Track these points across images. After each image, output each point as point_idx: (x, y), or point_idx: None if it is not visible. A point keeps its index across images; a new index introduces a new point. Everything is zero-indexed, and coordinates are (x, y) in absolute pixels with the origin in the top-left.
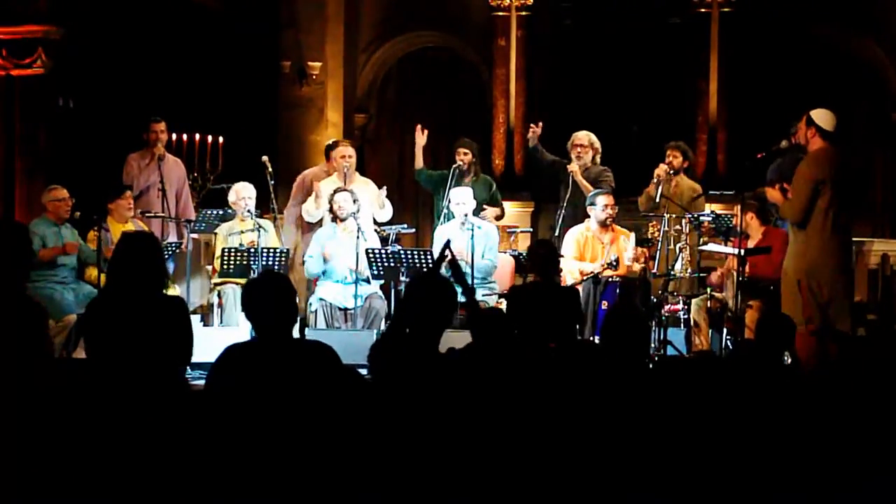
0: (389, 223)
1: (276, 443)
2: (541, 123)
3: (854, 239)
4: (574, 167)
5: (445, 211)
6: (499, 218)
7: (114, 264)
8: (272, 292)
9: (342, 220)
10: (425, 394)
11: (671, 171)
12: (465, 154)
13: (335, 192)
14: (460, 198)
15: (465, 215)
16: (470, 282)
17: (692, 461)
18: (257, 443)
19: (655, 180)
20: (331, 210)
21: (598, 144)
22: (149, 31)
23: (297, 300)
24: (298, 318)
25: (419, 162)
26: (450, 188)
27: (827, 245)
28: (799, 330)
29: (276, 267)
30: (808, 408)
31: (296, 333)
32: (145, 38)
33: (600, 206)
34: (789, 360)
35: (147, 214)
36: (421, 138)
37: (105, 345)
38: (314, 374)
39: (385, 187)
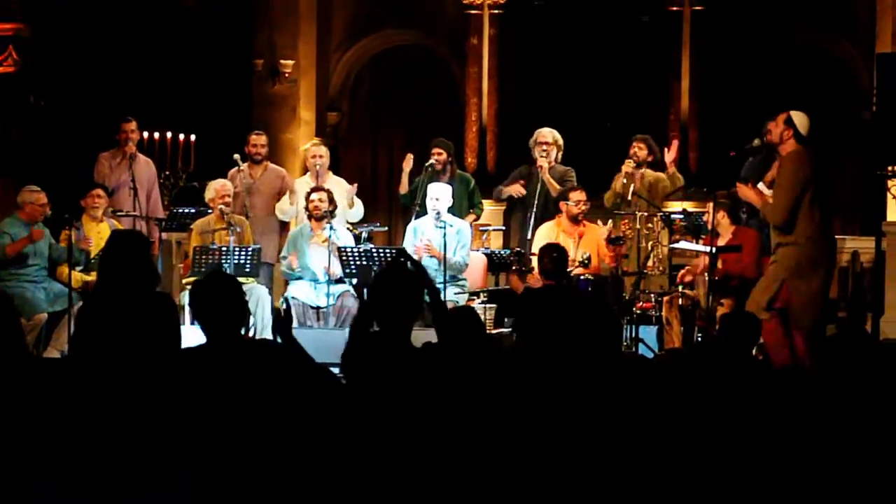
0: (362, 222)
1: (230, 444)
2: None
3: None
4: (543, 164)
5: (418, 208)
6: (478, 218)
7: (104, 263)
8: (219, 294)
9: (318, 219)
10: (403, 391)
11: (636, 164)
12: (440, 154)
13: (312, 190)
14: (437, 193)
15: (438, 213)
16: (442, 279)
17: (662, 457)
18: (211, 445)
19: (624, 179)
20: (307, 209)
21: (561, 142)
22: (120, 30)
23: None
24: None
25: (404, 186)
26: (424, 185)
27: (815, 248)
28: (763, 319)
29: (247, 266)
30: (776, 403)
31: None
32: (117, 36)
33: (573, 201)
34: (760, 357)
35: (118, 213)
36: (408, 164)
37: (99, 343)
38: (267, 375)
39: (354, 185)
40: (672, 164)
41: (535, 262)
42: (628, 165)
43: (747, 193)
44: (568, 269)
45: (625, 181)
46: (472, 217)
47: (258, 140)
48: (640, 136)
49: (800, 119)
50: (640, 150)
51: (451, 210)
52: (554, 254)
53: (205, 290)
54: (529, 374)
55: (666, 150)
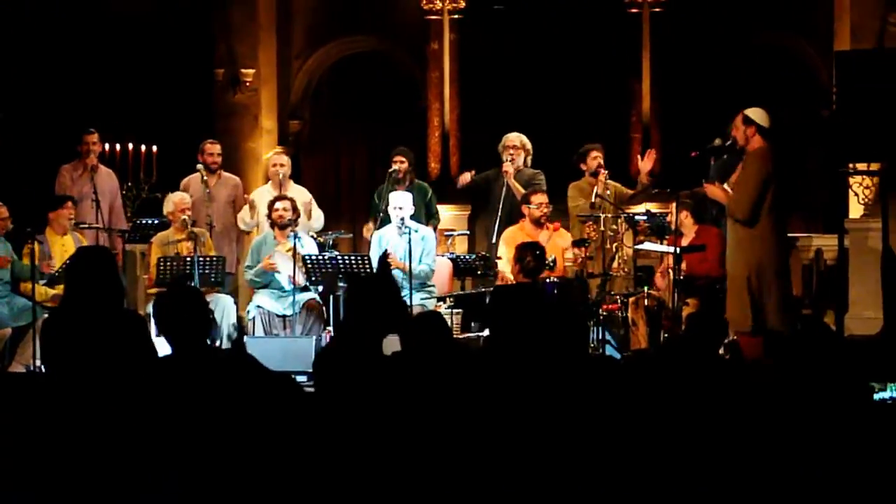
0: (324, 230)
1: (200, 453)
2: (473, 172)
3: (789, 234)
4: (509, 168)
5: (382, 215)
6: (435, 229)
7: (71, 279)
8: (183, 304)
9: (281, 227)
10: (374, 399)
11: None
12: (402, 162)
13: (275, 199)
14: (399, 202)
15: (402, 220)
16: (408, 286)
17: (631, 456)
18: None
19: (607, 190)
20: (269, 217)
21: (529, 146)
22: (80, 42)
23: (237, 309)
24: (236, 328)
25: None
26: (386, 193)
27: (774, 243)
28: (745, 331)
29: (212, 276)
30: (742, 402)
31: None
32: (77, 48)
33: (535, 204)
34: (727, 357)
35: (81, 226)
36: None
37: (65, 359)
38: (233, 384)
39: (310, 199)
40: (646, 175)
41: (503, 263)
42: (604, 176)
43: (714, 192)
44: None
45: (606, 192)
46: (432, 225)
47: (213, 149)
48: (590, 145)
49: (757, 114)
50: (594, 159)
51: (411, 218)
52: (537, 251)
53: (168, 302)
54: (498, 374)
55: (640, 159)
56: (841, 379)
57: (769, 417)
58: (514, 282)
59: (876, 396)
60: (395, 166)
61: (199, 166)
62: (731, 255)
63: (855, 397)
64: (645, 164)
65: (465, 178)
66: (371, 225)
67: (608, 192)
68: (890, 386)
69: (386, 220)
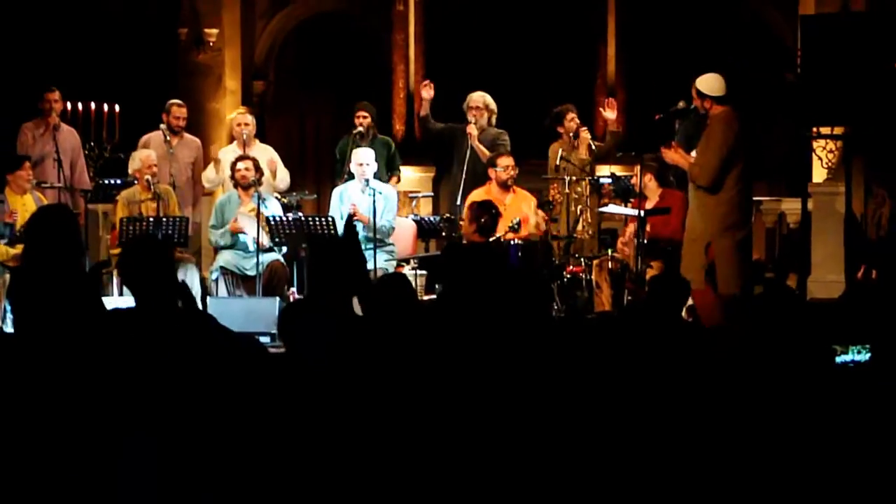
0: (290, 190)
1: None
2: (432, 84)
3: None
4: (472, 130)
5: (347, 175)
6: (397, 182)
7: (31, 238)
8: (148, 258)
9: (244, 188)
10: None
11: (571, 136)
12: (365, 117)
13: (237, 159)
14: (362, 159)
15: (367, 179)
16: (372, 244)
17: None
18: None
19: (594, 147)
20: (233, 178)
21: (493, 106)
22: None
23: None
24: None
25: (425, 110)
26: (350, 150)
27: (739, 207)
28: (699, 289)
29: (176, 236)
30: (704, 365)
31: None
32: (40, 5)
33: (501, 167)
34: (690, 319)
35: (43, 185)
36: (428, 91)
37: (31, 318)
38: (198, 342)
39: (276, 158)
40: (615, 123)
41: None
42: (586, 133)
43: (673, 157)
44: (498, 234)
45: (593, 148)
46: (394, 180)
47: (180, 112)
48: (566, 106)
49: (707, 84)
50: (571, 121)
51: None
52: (493, 211)
53: (132, 255)
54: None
55: (602, 110)
56: (803, 342)
57: (731, 381)
58: (469, 241)
59: (837, 360)
60: (357, 122)
61: (163, 126)
62: (693, 219)
63: (817, 360)
64: (609, 113)
65: (426, 96)
66: (339, 182)
67: (593, 148)
68: (851, 349)
69: (350, 177)
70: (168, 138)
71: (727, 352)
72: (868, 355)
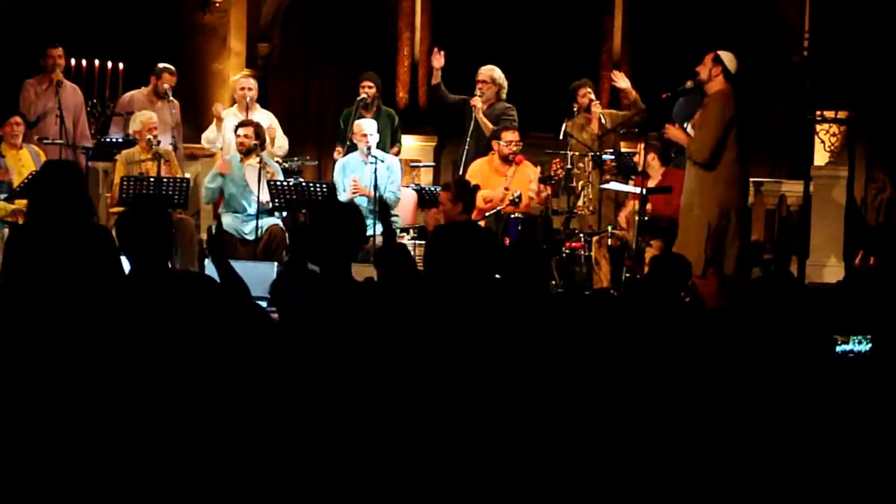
0: (289, 155)
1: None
2: (443, 52)
3: (753, 179)
4: (477, 102)
5: (348, 144)
6: (398, 153)
7: (37, 193)
8: (148, 220)
9: (244, 154)
10: (344, 325)
11: (577, 111)
12: (370, 87)
13: (239, 125)
14: (365, 129)
15: (369, 148)
16: (373, 217)
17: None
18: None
19: (602, 118)
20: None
21: (501, 80)
22: None
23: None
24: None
25: (437, 78)
26: (353, 120)
27: (738, 188)
28: (699, 273)
29: (176, 197)
30: (706, 346)
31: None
32: None
33: (505, 140)
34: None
35: (45, 141)
36: (438, 60)
37: (29, 274)
38: (196, 308)
39: (276, 124)
40: (631, 92)
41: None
42: (598, 107)
43: (675, 133)
44: (498, 208)
45: (601, 120)
46: (394, 150)
47: (171, 80)
48: (582, 81)
49: (728, 58)
50: (582, 96)
51: (377, 146)
52: (473, 188)
53: (133, 217)
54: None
55: (613, 82)
56: (803, 329)
57: (729, 366)
58: (454, 219)
59: (838, 349)
60: (363, 91)
61: (166, 86)
62: (692, 197)
63: (816, 348)
64: (621, 82)
65: (436, 65)
66: (340, 149)
67: (604, 121)
68: (852, 339)
69: (352, 147)
70: (168, 97)
71: (726, 337)
72: (869, 346)
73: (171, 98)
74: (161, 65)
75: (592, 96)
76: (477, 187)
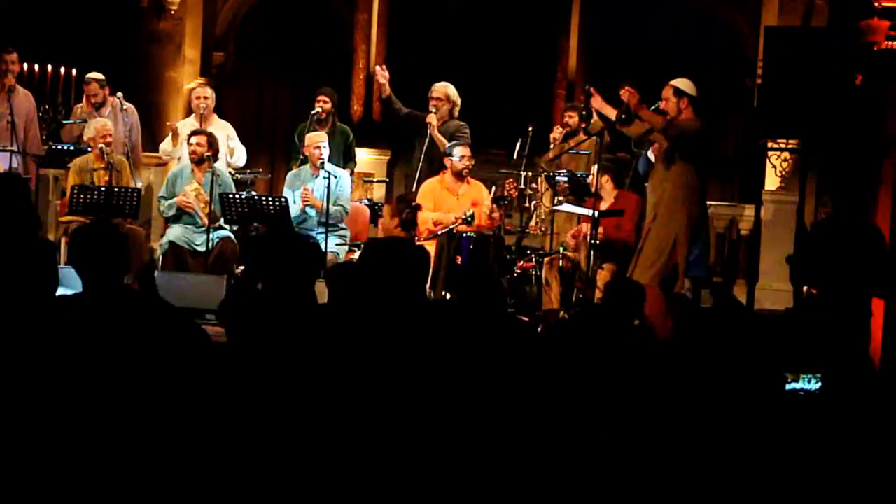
0: (245, 168)
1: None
2: (385, 67)
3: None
4: (432, 119)
5: (302, 157)
6: (352, 172)
7: None
8: (102, 242)
9: (197, 163)
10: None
11: (568, 132)
12: (325, 102)
13: (192, 133)
14: (317, 141)
15: (321, 161)
16: (324, 228)
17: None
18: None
19: (552, 144)
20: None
21: (455, 98)
22: None
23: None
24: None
25: (386, 91)
26: (306, 132)
27: (702, 206)
28: (651, 289)
29: (127, 207)
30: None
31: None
32: None
33: (457, 156)
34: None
35: None
36: (383, 76)
37: None
38: (150, 329)
39: (233, 134)
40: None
41: (421, 214)
42: (556, 131)
43: (601, 104)
44: (451, 226)
45: (552, 146)
46: (349, 169)
47: (94, 89)
48: (570, 104)
49: (688, 86)
50: (570, 118)
51: (329, 160)
52: (413, 205)
53: (86, 239)
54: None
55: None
56: (752, 363)
57: (680, 400)
58: (391, 234)
59: (788, 387)
60: (318, 106)
61: (119, 94)
62: (668, 210)
63: (766, 386)
64: (597, 101)
65: (382, 80)
66: (294, 166)
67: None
68: (802, 377)
69: (304, 160)
70: (124, 106)
71: (676, 370)
72: (819, 384)
73: (125, 104)
74: (88, 75)
75: (571, 122)
76: (418, 206)
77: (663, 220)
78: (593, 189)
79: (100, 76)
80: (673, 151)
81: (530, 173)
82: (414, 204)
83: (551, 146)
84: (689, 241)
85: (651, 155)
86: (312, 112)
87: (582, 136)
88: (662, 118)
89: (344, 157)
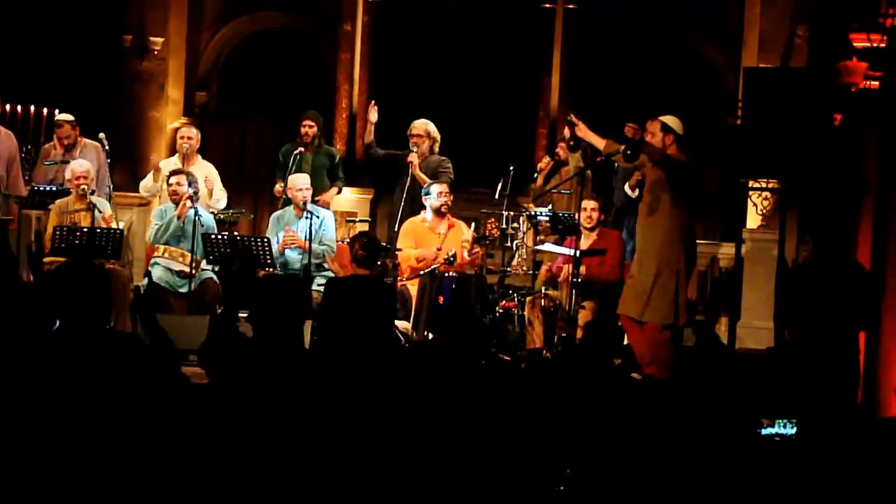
0: (227, 208)
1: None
2: (377, 107)
3: None
4: (413, 158)
5: (284, 197)
6: (339, 192)
7: None
8: (83, 282)
9: (175, 203)
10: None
11: (555, 162)
12: (311, 126)
13: (171, 173)
14: (300, 184)
15: (305, 202)
16: (309, 268)
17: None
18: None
19: (538, 173)
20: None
21: (435, 134)
22: None
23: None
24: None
25: (370, 135)
26: (293, 164)
27: (692, 242)
28: (653, 326)
29: (109, 248)
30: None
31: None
32: None
33: (434, 194)
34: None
35: None
36: (373, 114)
37: None
38: (127, 368)
39: (215, 176)
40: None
41: (402, 254)
42: (544, 162)
43: (586, 132)
44: (433, 266)
45: (538, 174)
46: (334, 190)
47: (61, 132)
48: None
49: (675, 123)
50: (561, 150)
51: (312, 183)
52: (365, 240)
53: (64, 278)
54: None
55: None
56: (730, 407)
57: (656, 437)
58: (351, 273)
59: (763, 431)
60: (303, 129)
61: (101, 135)
62: (667, 244)
63: (742, 429)
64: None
65: (373, 119)
66: (279, 187)
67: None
68: (778, 422)
69: (287, 201)
70: (105, 146)
71: (656, 408)
72: (794, 429)
73: (95, 142)
74: (59, 117)
75: (562, 154)
76: (374, 243)
77: (662, 257)
78: (577, 224)
79: (70, 118)
80: (665, 186)
81: (512, 213)
82: (367, 241)
83: (536, 174)
84: (689, 274)
85: (627, 188)
86: (295, 152)
87: (570, 168)
88: (660, 151)
89: (330, 177)
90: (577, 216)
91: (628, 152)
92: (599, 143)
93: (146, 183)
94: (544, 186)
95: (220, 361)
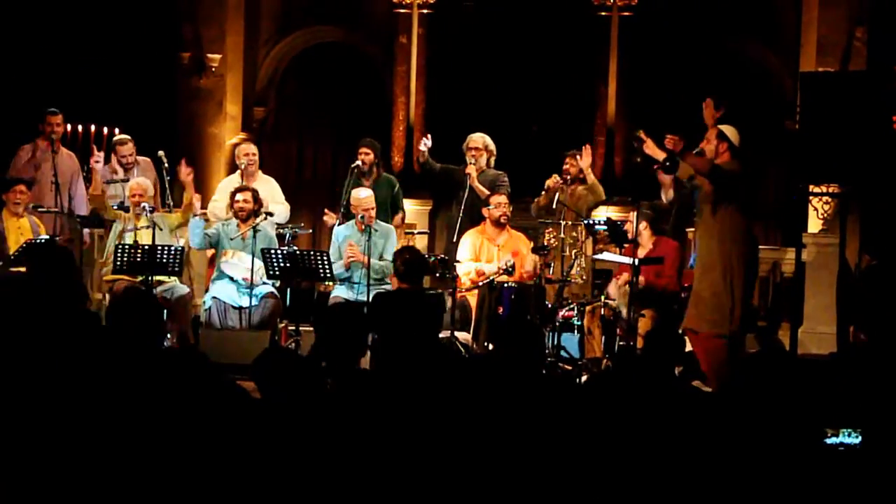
0: (286, 223)
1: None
2: (429, 136)
3: None
4: (472, 171)
5: (343, 210)
6: (402, 221)
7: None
8: (137, 311)
9: (242, 220)
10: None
11: (567, 181)
12: (367, 154)
13: (236, 190)
14: (362, 200)
15: (363, 217)
16: (366, 282)
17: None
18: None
19: (545, 190)
20: (232, 207)
21: (492, 147)
22: (46, 20)
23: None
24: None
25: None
26: (348, 187)
27: (751, 249)
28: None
29: (170, 265)
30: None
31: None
32: (42, 26)
33: (493, 205)
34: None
35: (39, 209)
36: (424, 145)
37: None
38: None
39: (278, 191)
40: (588, 169)
41: (461, 266)
42: (553, 180)
43: (695, 162)
44: (492, 277)
45: (545, 192)
46: (398, 218)
47: (123, 151)
48: (573, 151)
49: (732, 133)
50: (571, 166)
51: (376, 216)
52: (406, 256)
53: (121, 307)
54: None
55: (577, 157)
56: (794, 417)
57: (720, 450)
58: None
59: (828, 441)
60: (359, 158)
61: (161, 153)
62: (723, 253)
63: (807, 440)
64: (584, 160)
65: (423, 149)
66: (332, 214)
67: (566, 197)
68: (843, 431)
69: (349, 215)
70: (165, 164)
71: (718, 418)
72: (859, 439)
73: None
74: (120, 136)
75: (572, 170)
76: (416, 257)
77: (717, 267)
78: (631, 235)
79: (128, 138)
80: (718, 195)
81: (570, 222)
82: (408, 257)
83: (544, 192)
84: (746, 283)
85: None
86: (352, 165)
87: (579, 186)
88: (708, 162)
89: (392, 207)
90: (627, 226)
91: (667, 164)
92: (661, 158)
93: (213, 208)
94: (551, 206)
95: (272, 378)
